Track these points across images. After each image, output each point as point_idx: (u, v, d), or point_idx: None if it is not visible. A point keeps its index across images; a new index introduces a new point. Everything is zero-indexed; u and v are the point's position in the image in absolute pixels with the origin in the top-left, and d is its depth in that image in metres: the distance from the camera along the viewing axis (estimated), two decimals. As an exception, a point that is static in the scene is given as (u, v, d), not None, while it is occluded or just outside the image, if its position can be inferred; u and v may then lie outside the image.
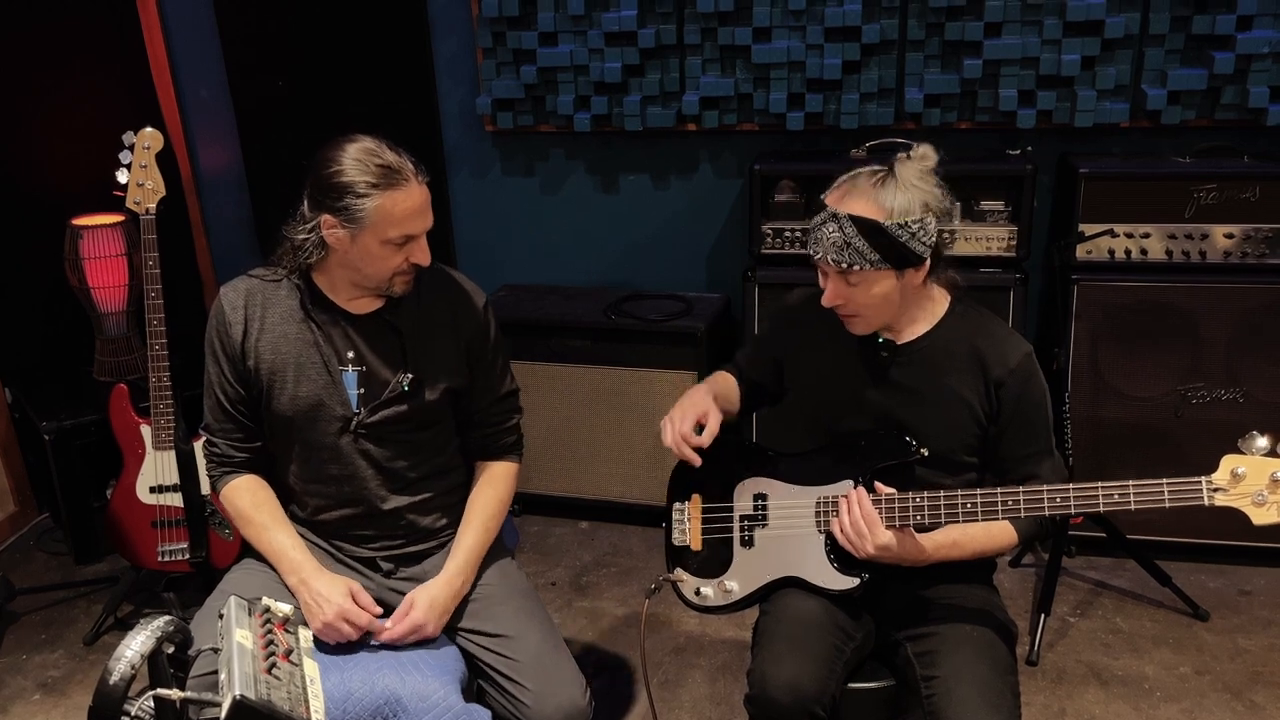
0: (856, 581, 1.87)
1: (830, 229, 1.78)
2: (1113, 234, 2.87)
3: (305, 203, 1.91)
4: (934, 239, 1.79)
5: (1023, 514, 1.74)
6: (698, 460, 1.93)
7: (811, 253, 1.83)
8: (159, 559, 2.87)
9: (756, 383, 2.13)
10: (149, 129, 2.66)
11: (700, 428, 1.94)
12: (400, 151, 1.87)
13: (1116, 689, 2.62)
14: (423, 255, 1.92)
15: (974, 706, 1.71)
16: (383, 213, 1.83)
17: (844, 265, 1.78)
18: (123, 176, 2.67)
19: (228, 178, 3.79)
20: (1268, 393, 2.87)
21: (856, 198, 1.79)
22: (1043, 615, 2.79)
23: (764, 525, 1.96)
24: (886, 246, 1.76)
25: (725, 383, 2.12)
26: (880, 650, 1.96)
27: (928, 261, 1.81)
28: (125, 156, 2.66)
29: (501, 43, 3.37)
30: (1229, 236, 2.84)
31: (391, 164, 1.84)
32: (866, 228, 1.76)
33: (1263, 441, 1.59)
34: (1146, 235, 2.87)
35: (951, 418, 1.86)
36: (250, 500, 2.03)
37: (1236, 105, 2.95)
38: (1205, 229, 2.84)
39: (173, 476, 2.78)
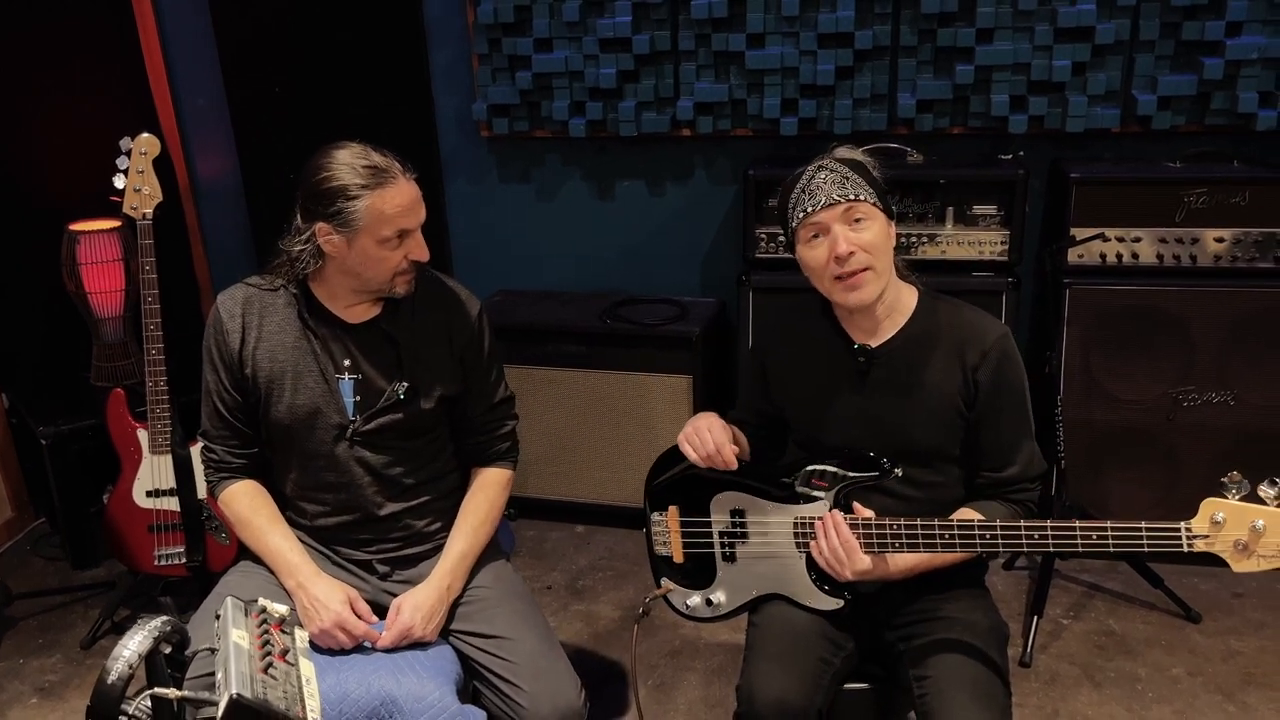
0: (841, 602, 1.88)
1: (823, 174, 1.82)
2: (1104, 238, 2.88)
3: (298, 215, 1.92)
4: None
5: (1000, 549, 1.75)
6: (735, 464, 1.90)
7: (807, 209, 1.81)
8: (156, 563, 2.88)
9: (758, 414, 2.10)
10: (146, 135, 2.68)
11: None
12: (386, 152, 1.90)
13: (1109, 690, 2.64)
14: (420, 251, 1.94)
15: (965, 706, 1.72)
16: (375, 211, 1.85)
17: (851, 195, 1.79)
18: (119, 182, 2.68)
19: (224, 183, 3.80)
20: (1258, 396, 2.89)
21: (832, 155, 1.86)
22: (1036, 617, 2.80)
23: (744, 541, 1.95)
24: (874, 183, 1.83)
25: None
26: (873, 651, 1.96)
27: (894, 226, 1.87)
28: (122, 162, 2.68)
29: (497, 49, 3.39)
30: (1219, 240, 2.86)
31: (379, 164, 1.87)
32: (855, 165, 1.84)
33: (1244, 483, 1.56)
34: (1137, 239, 2.89)
35: (936, 412, 1.86)
36: (248, 504, 2.04)
37: (1226, 110, 2.97)
38: (1196, 233, 2.86)
39: (169, 481, 2.80)
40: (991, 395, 1.84)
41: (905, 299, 1.91)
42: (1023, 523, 1.71)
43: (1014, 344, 1.87)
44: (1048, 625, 2.87)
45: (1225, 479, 1.56)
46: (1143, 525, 1.61)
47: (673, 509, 2.02)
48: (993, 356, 1.84)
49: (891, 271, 1.87)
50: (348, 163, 1.85)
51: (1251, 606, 2.93)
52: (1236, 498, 1.56)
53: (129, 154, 2.68)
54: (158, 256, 2.72)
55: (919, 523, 1.76)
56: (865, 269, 1.80)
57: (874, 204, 1.81)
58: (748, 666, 1.87)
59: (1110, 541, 1.63)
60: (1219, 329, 2.87)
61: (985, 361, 1.84)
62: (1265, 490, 1.54)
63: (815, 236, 1.83)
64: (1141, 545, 1.62)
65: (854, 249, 1.79)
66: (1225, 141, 3.01)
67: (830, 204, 1.79)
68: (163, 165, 2.75)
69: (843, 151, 1.88)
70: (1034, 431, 1.90)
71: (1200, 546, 1.58)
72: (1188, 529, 1.58)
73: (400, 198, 1.87)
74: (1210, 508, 1.57)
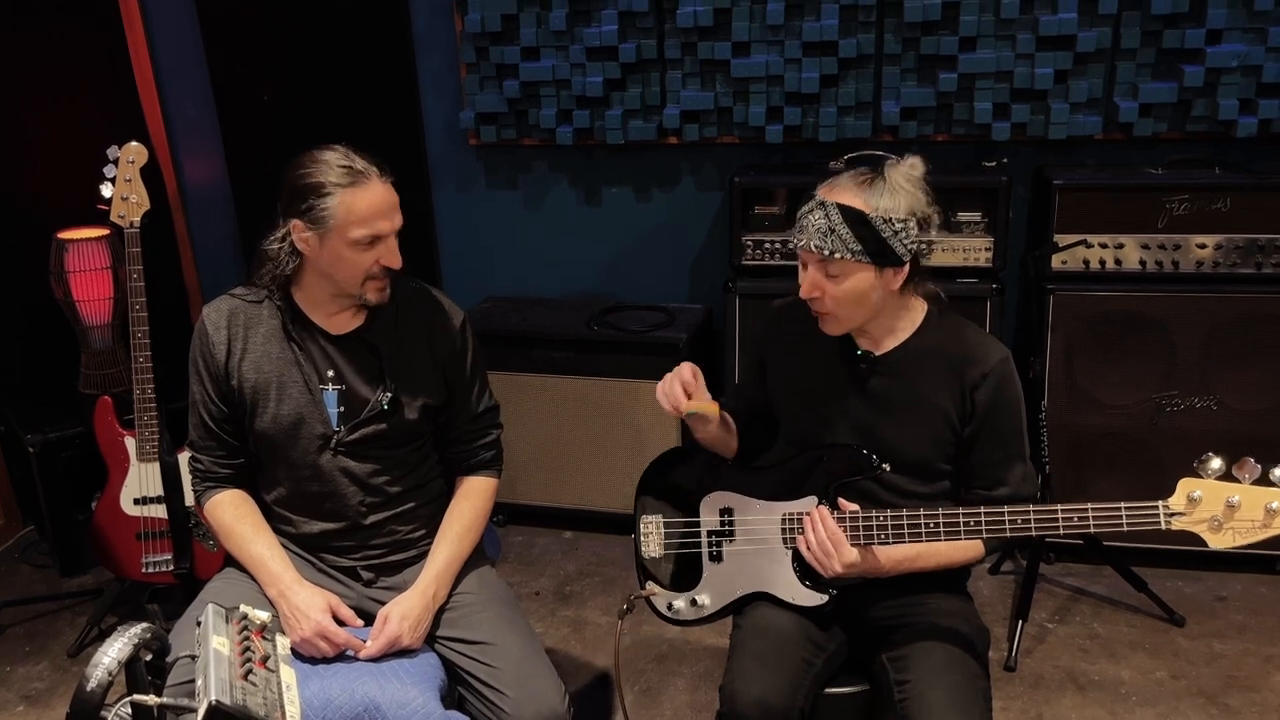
0: (825, 598, 1.89)
1: (817, 215, 1.80)
2: (1087, 244, 2.90)
3: (279, 214, 1.94)
4: (915, 245, 1.81)
5: (984, 534, 1.76)
6: (684, 401, 1.90)
7: (795, 241, 1.83)
8: (143, 570, 2.88)
9: (749, 402, 2.12)
10: (133, 143, 2.69)
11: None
12: (368, 157, 1.91)
13: (1093, 694, 2.65)
14: (393, 258, 1.93)
15: (944, 710, 1.74)
16: (346, 210, 1.86)
17: (826, 252, 1.78)
18: (107, 190, 2.69)
19: (213, 192, 3.81)
20: (1240, 400, 2.90)
21: (845, 190, 1.81)
22: (1021, 622, 2.82)
23: (731, 540, 1.98)
24: (869, 239, 1.77)
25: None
26: (856, 656, 1.98)
27: (906, 266, 1.82)
28: (110, 170, 2.68)
29: (484, 57, 3.40)
30: (1201, 246, 2.88)
31: (356, 165, 1.88)
32: (852, 216, 1.78)
33: (1217, 463, 1.61)
34: (1120, 246, 2.91)
35: (929, 426, 1.88)
36: (233, 513, 2.05)
37: (1207, 118, 2.99)
38: (1178, 239, 2.88)
39: (157, 488, 2.80)
40: (987, 416, 1.86)
41: (912, 314, 1.92)
42: (1006, 508, 1.73)
43: (1014, 368, 1.88)
44: (1032, 629, 2.88)
45: (1199, 460, 1.62)
46: (1121, 505, 1.65)
47: (660, 514, 2.04)
48: (993, 378, 1.85)
49: (881, 305, 1.86)
50: (326, 161, 1.88)
51: (1235, 610, 2.95)
52: (1212, 478, 1.61)
53: (116, 162, 2.68)
54: (146, 264, 2.72)
55: (904, 512, 1.78)
56: (826, 312, 1.85)
57: (856, 260, 1.79)
58: (730, 666, 1.89)
59: (1091, 522, 1.67)
60: (1202, 334, 2.89)
61: (985, 383, 1.85)
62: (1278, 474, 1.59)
63: (803, 264, 1.86)
64: (1121, 525, 1.65)
65: (816, 294, 1.83)
66: (1206, 148, 3.03)
67: (808, 249, 1.81)
68: (151, 173, 2.76)
69: (842, 190, 1.81)
70: (1028, 453, 1.91)
71: (1177, 525, 1.63)
72: (1166, 507, 1.63)
73: (372, 198, 1.88)
74: (1187, 486, 1.62)
